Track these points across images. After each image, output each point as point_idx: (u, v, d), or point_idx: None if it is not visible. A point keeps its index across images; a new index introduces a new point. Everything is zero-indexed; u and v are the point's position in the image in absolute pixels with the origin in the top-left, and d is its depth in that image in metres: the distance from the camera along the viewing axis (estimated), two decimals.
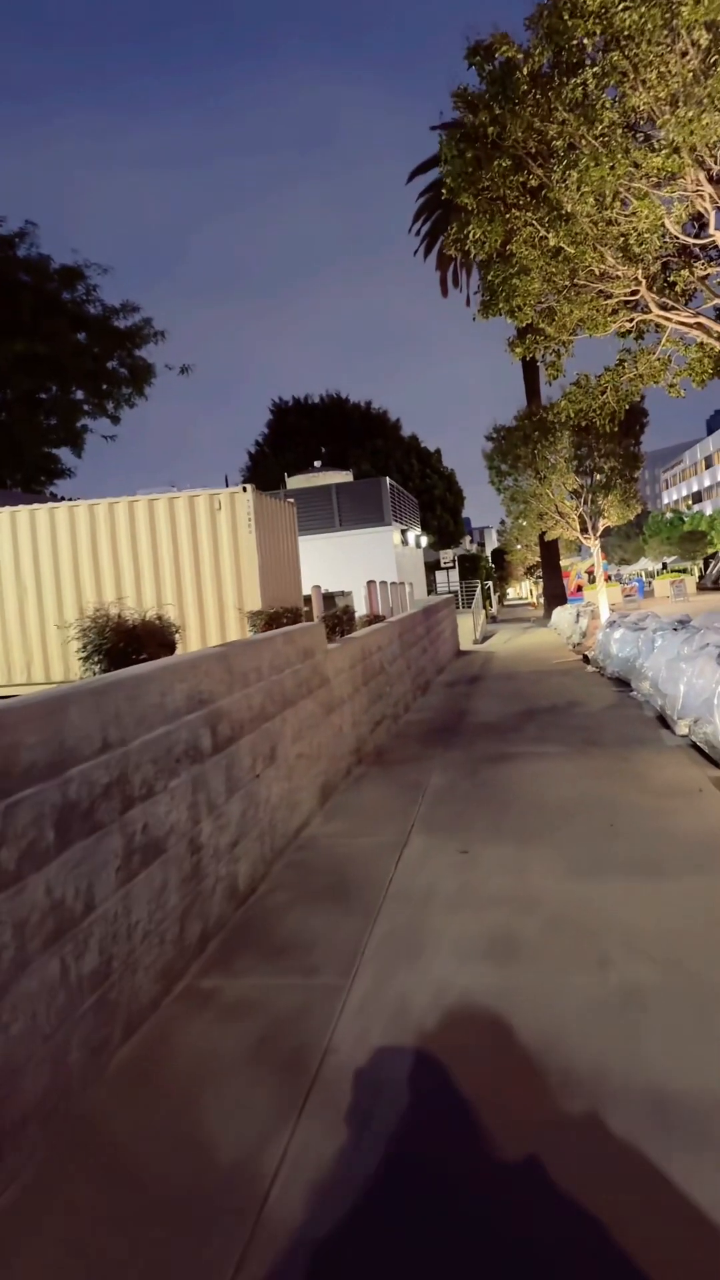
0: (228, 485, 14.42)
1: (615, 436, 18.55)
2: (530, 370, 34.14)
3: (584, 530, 20.38)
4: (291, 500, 16.94)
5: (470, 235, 8.21)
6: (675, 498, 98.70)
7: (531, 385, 32.43)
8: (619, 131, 6.65)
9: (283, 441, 50.13)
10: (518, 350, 9.33)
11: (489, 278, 8.64)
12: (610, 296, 8.17)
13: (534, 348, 9.17)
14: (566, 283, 7.96)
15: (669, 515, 70.00)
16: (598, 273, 7.87)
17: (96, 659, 4.67)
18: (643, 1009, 3.13)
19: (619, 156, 6.56)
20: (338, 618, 11.17)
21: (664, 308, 8.15)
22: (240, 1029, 3.26)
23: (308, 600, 17.80)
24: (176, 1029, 3.30)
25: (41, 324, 26.09)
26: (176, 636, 5.44)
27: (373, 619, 14.29)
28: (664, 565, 63.17)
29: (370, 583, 17.71)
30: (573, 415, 9.95)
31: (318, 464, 32.01)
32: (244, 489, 14.38)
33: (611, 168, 6.61)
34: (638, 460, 19.06)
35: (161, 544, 14.47)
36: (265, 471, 44.80)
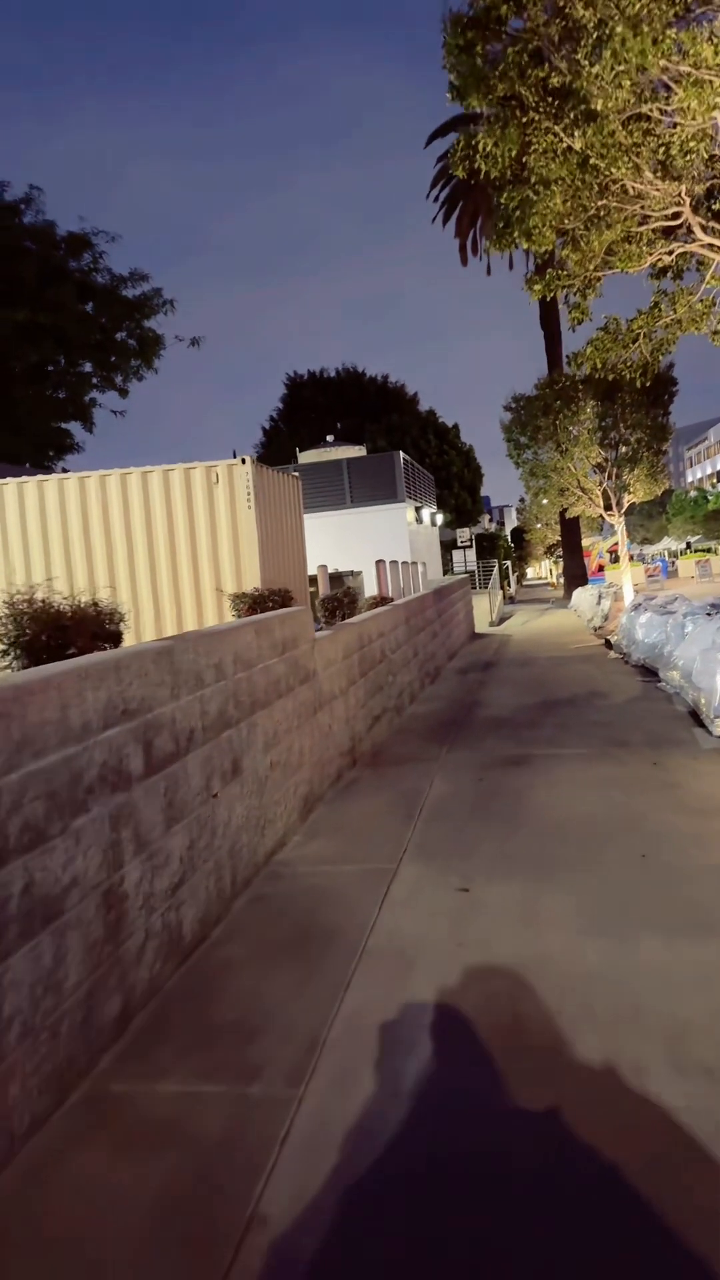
0: (236, 458, 13.44)
1: (643, 405, 17.41)
2: (552, 336, 32.78)
3: (607, 507, 19.27)
4: (296, 474, 16.00)
5: (480, 146, 7.04)
6: (700, 475, 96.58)
7: (553, 352, 31.14)
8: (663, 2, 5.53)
9: (297, 416, 49.06)
10: (536, 288, 8.19)
11: (502, 200, 7.53)
12: (646, 220, 7.04)
13: (555, 285, 8.02)
14: (593, 202, 6.81)
15: (693, 494, 68.27)
16: (631, 191, 6.74)
17: (15, 655, 3.82)
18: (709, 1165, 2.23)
19: (661, 27, 5.45)
20: (338, 600, 10.26)
21: (711, 232, 6.99)
22: (141, 1171, 2.39)
23: (313, 580, 16.93)
24: (59, 1164, 2.44)
25: (46, 293, 25.12)
26: (123, 626, 4.55)
27: (379, 601, 13.37)
28: (688, 545, 61.60)
29: (379, 562, 16.78)
30: (599, 366, 8.80)
31: (330, 439, 30.96)
32: (242, 460, 13.47)
33: (655, 41, 5.48)
34: (666, 432, 17.90)
35: (156, 521, 13.61)
36: (279, 448, 43.79)
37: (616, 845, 4.72)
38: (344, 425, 43.34)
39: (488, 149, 6.87)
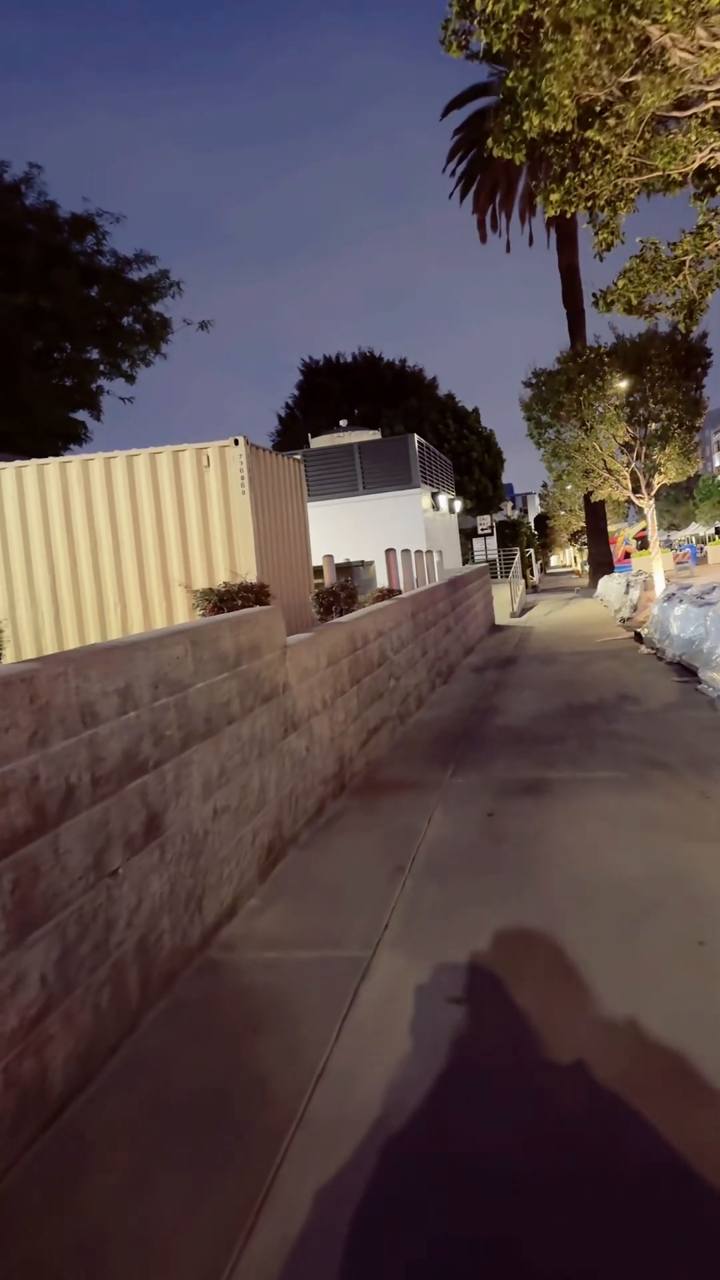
0: (238, 446, 12.22)
1: (674, 379, 16.03)
2: (573, 301, 31.22)
3: (635, 489, 17.91)
4: (298, 457, 14.85)
5: (479, 5, 5.63)
6: None
7: (575, 321, 29.64)
8: None
9: (313, 403, 47.89)
10: (553, 199, 6.78)
11: (508, 84, 6.17)
12: (685, 104, 5.62)
13: (576, 197, 6.61)
14: (628, 55, 5.37)
15: None
16: (676, 59, 5.30)
17: None
18: None
19: None
20: (334, 595, 9.11)
21: None
22: None
23: (318, 571, 15.79)
24: None
25: (47, 276, 24.06)
26: (3, 640, 3.45)
27: (385, 594, 12.21)
28: (717, 530, 59.63)
29: (389, 551, 15.61)
30: (633, 303, 7.40)
31: (344, 423, 29.67)
32: (234, 441, 12.34)
33: None
34: (699, 407, 16.50)
35: (143, 509, 12.53)
36: (296, 435, 42.66)
37: (661, 923, 3.54)
38: (361, 411, 42.09)
39: (487, 8, 5.43)
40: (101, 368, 27.85)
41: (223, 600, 6.27)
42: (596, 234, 6.82)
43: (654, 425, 16.70)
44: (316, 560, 14.89)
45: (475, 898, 4.00)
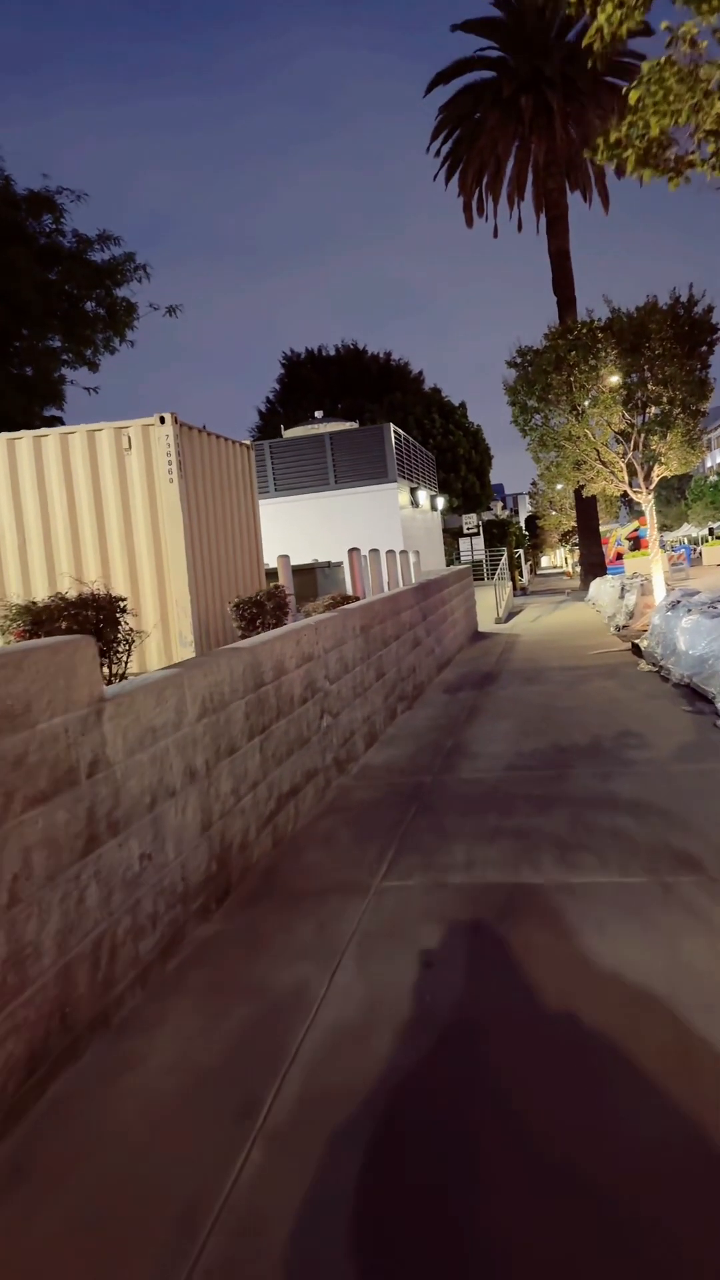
0: (164, 424, 10.26)
1: (676, 357, 14.13)
2: (564, 294, 29.39)
3: (633, 482, 16.01)
4: (247, 442, 12.88)
5: None
6: None
7: (565, 310, 27.75)
8: None
9: (294, 397, 46.01)
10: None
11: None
12: None
13: None
14: None
15: (714, 478, 64.44)
16: None
17: None
18: None
19: None
20: (257, 605, 7.17)
21: None
22: None
23: (272, 575, 13.77)
24: None
25: (2, 254, 21.94)
26: None
27: (340, 601, 10.28)
28: (710, 531, 57.90)
29: (351, 551, 13.65)
30: (654, 142, 5.21)
31: (319, 414, 27.70)
32: (160, 419, 10.38)
33: None
34: (705, 389, 14.62)
35: (53, 502, 10.54)
36: (274, 431, 40.77)
37: None
38: (344, 406, 40.24)
39: None
40: (65, 356, 25.86)
41: (39, 622, 4.30)
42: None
43: (653, 410, 14.79)
44: (271, 561, 12.89)
45: (384, 1178, 2.06)
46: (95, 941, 3.02)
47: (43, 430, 10.34)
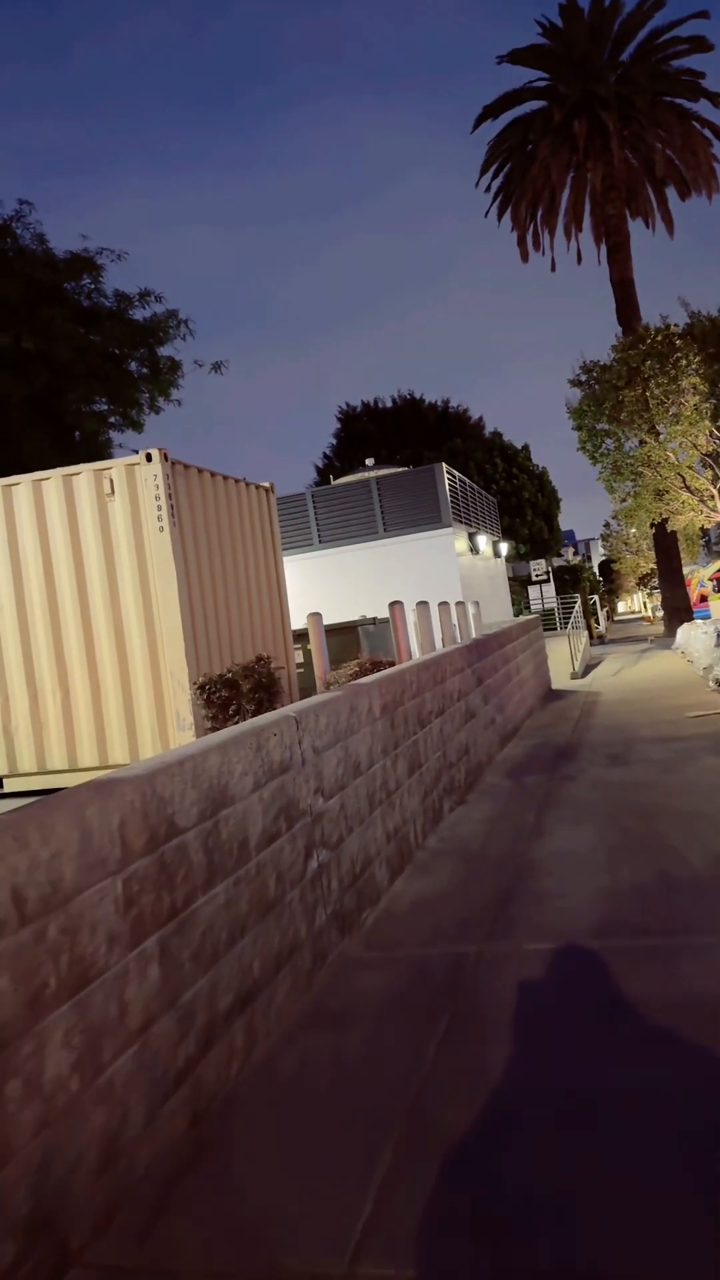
0: (152, 462, 8.41)
1: None
2: (629, 323, 27.36)
3: None
4: (265, 485, 11.13)
5: None
6: None
7: (628, 318, 25.63)
8: None
9: (350, 450, 44.93)
10: None
11: None
12: None
13: None
14: None
15: None
16: None
17: None
18: None
19: None
20: (231, 685, 5.22)
21: None
22: None
23: (302, 637, 11.88)
24: None
25: (37, 315, 21.20)
26: None
27: (370, 667, 8.29)
28: None
29: (393, 605, 11.60)
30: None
31: (370, 461, 26.15)
32: (147, 457, 8.69)
33: None
34: None
35: (26, 558, 8.92)
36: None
37: None
38: (402, 456, 38.85)
39: None
40: (111, 420, 25.07)
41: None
42: None
43: None
44: (300, 621, 10.96)
45: None
46: None
47: (12, 478, 8.79)
